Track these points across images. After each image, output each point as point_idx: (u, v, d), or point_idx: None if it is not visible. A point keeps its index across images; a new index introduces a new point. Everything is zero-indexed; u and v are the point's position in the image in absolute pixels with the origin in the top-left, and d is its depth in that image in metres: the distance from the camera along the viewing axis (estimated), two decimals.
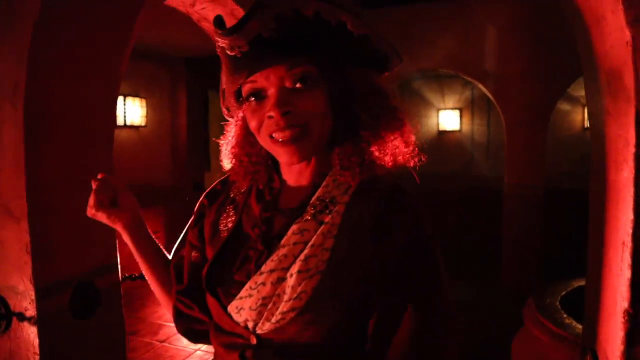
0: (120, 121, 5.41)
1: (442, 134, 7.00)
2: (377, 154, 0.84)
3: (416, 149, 0.87)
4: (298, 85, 0.79)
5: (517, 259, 5.08)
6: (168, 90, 6.21)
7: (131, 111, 5.57)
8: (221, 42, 0.78)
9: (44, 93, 1.47)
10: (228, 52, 0.78)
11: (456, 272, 5.90)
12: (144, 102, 5.73)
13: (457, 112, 6.88)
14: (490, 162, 6.35)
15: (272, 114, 0.78)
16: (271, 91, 0.79)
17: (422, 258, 0.81)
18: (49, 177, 1.54)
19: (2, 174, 1.49)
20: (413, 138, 0.87)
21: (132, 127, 5.63)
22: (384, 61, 0.87)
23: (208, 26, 3.14)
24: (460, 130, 6.91)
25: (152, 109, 5.93)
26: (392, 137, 0.85)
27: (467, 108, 6.87)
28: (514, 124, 4.98)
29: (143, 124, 5.75)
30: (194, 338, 1.01)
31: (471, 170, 6.73)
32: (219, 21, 0.77)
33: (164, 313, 4.65)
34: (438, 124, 6.99)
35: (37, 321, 1.57)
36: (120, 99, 5.38)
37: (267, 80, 0.79)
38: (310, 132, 0.80)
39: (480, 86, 5.28)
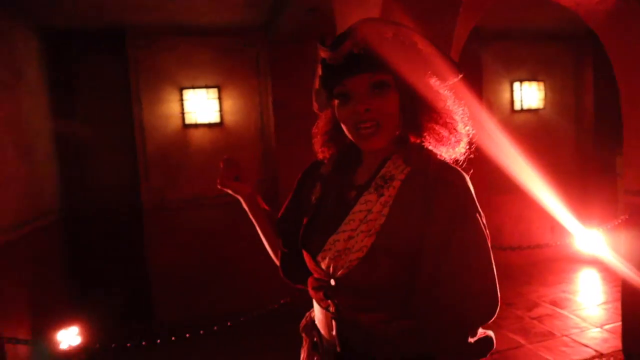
0: (517, 106, 5.71)
1: None
2: (432, 146, 1.08)
3: (466, 147, 1.09)
4: (377, 90, 1.02)
5: None
6: (571, 70, 5.90)
7: (527, 95, 5.73)
8: (323, 54, 1.04)
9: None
10: (328, 62, 1.04)
11: None
12: (541, 85, 5.74)
13: None
14: None
15: (356, 110, 1.01)
16: (356, 93, 1.02)
17: (455, 240, 0.96)
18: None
19: None
20: (463, 138, 1.08)
21: (529, 110, 5.79)
22: (446, 72, 1.08)
23: (569, 2, 3.04)
24: None
25: (551, 91, 5.84)
26: (445, 134, 1.06)
27: None
28: None
29: (541, 106, 5.77)
30: (294, 280, 1.29)
31: None
32: (322, 39, 1.03)
33: (544, 293, 4.70)
34: None
35: None
36: (516, 84, 5.67)
37: (354, 85, 1.02)
38: (384, 127, 1.03)
39: None
